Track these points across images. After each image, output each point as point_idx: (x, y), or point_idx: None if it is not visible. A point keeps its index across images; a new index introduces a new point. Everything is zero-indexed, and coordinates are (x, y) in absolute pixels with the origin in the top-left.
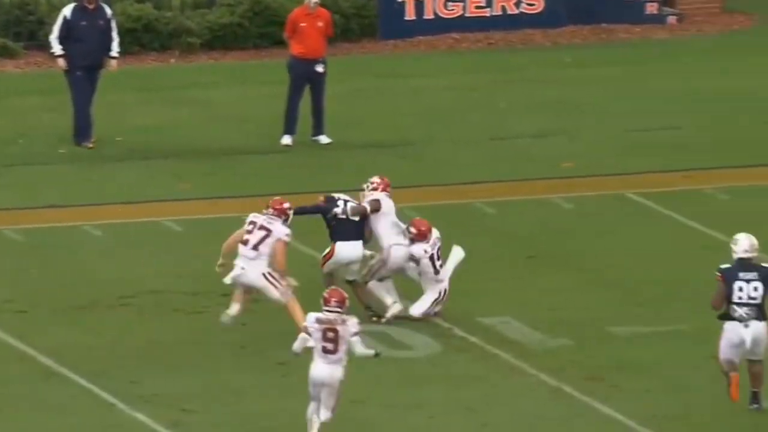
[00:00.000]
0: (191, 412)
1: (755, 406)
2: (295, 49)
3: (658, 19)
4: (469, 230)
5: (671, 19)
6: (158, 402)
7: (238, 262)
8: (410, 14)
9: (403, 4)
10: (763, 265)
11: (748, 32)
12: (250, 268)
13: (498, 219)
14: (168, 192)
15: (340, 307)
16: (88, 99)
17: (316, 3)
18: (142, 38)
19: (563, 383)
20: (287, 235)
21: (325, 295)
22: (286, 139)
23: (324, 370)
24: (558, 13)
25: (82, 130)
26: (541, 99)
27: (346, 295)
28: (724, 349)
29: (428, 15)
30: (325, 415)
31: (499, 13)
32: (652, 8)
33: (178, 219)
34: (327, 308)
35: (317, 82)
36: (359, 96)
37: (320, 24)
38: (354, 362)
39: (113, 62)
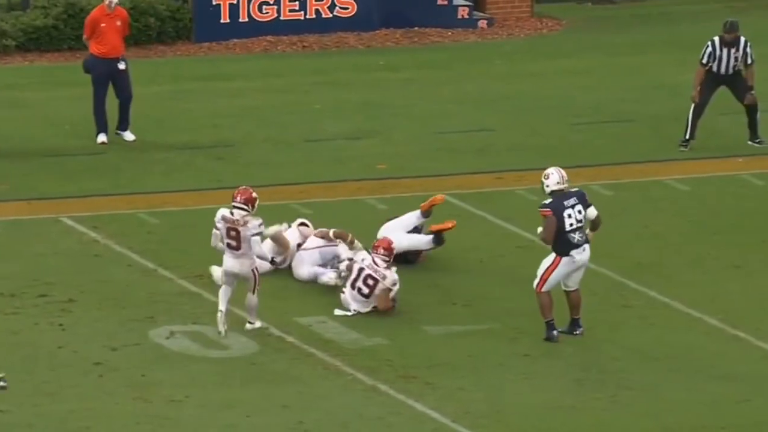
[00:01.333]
0: (6, 412)
1: (579, 330)
2: (96, 49)
3: (469, 23)
4: None
5: (482, 23)
6: None
7: None
8: (225, 17)
9: (217, 7)
10: (574, 189)
11: (556, 36)
12: None
13: (313, 220)
14: None
15: (245, 205)
16: None
17: (116, 3)
18: None
19: (378, 382)
20: None
21: (234, 192)
22: (102, 137)
23: (233, 262)
24: (371, 17)
25: None
26: (354, 101)
27: (255, 195)
28: (556, 277)
29: (243, 18)
30: (251, 300)
31: (313, 16)
32: (463, 12)
33: None
34: (234, 203)
35: (120, 79)
36: (175, 98)
37: (119, 23)
38: (169, 362)
39: None
